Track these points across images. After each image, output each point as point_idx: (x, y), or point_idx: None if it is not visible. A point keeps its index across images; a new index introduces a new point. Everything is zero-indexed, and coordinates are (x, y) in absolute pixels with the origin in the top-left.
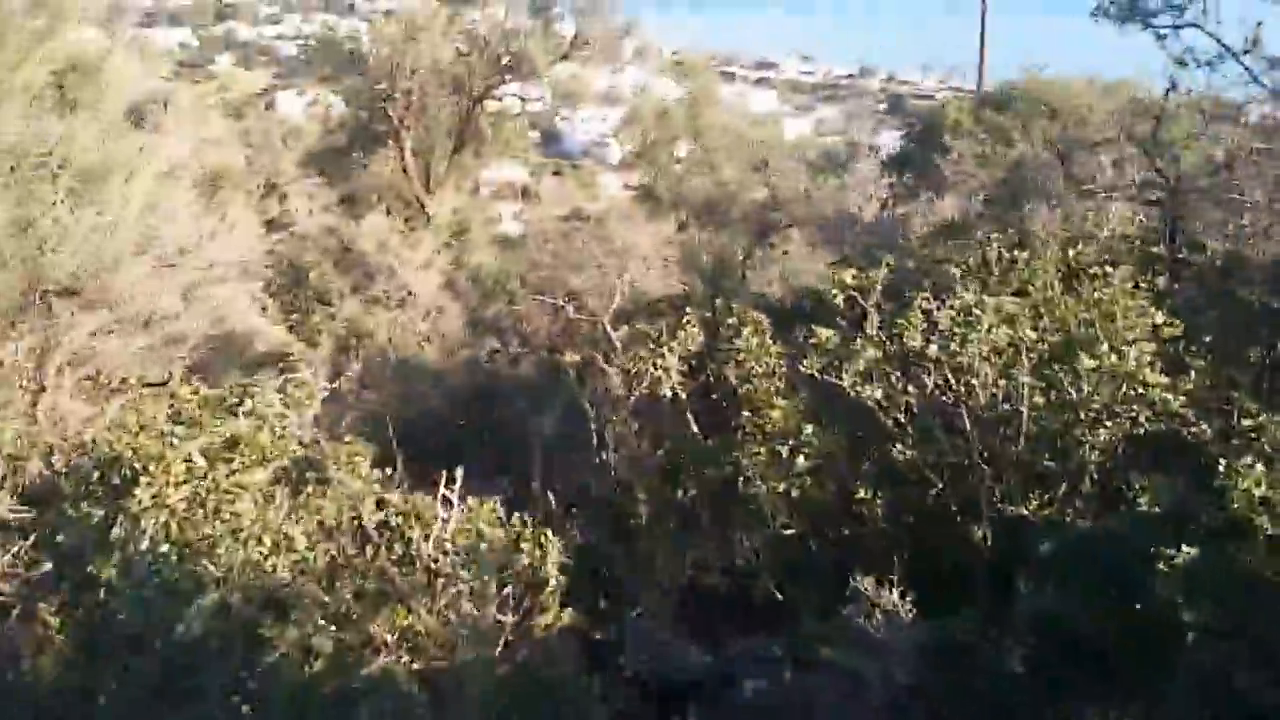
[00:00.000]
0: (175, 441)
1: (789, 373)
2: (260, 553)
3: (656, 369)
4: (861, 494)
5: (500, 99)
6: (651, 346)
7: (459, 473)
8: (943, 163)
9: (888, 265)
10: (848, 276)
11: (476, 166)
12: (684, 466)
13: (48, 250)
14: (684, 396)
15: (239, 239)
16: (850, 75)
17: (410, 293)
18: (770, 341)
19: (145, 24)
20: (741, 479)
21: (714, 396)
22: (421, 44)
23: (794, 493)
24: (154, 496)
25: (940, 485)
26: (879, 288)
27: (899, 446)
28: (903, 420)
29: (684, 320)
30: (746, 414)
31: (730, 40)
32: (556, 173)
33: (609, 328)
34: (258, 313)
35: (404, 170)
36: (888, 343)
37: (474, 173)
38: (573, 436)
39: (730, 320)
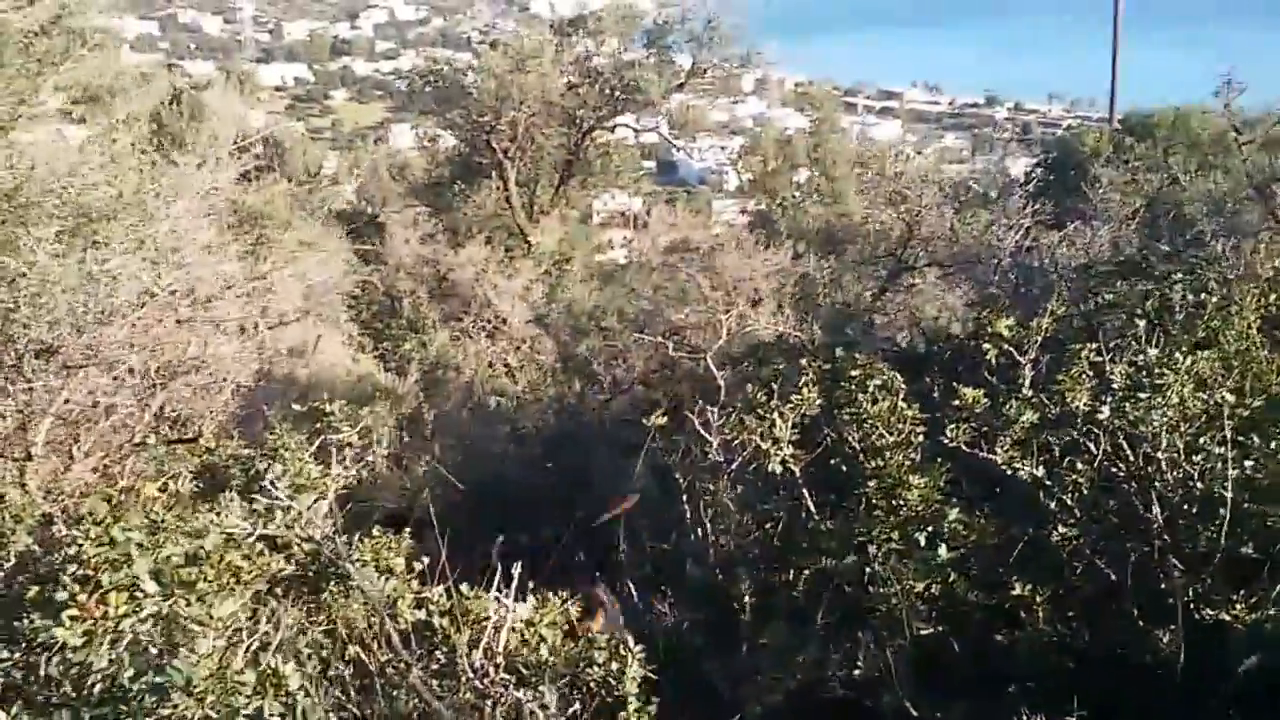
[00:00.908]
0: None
1: (926, 442)
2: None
3: (764, 440)
4: (1017, 590)
5: (611, 130)
6: (759, 413)
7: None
8: (1089, 191)
9: (1052, 312)
10: (1003, 326)
11: (582, 197)
12: (797, 550)
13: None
14: (796, 470)
15: (327, 271)
16: (975, 104)
17: (504, 322)
18: (903, 404)
19: (261, 59)
20: (868, 570)
21: (833, 462)
22: (530, 75)
23: (934, 589)
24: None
25: (1116, 580)
26: (1039, 339)
27: (1063, 532)
28: (1068, 501)
29: (800, 381)
30: (874, 490)
31: (853, 71)
32: (670, 200)
33: (714, 368)
34: (343, 346)
35: (507, 201)
36: (1048, 405)
37: (580, 203)
38: (662, 502)
39: (855, 373)
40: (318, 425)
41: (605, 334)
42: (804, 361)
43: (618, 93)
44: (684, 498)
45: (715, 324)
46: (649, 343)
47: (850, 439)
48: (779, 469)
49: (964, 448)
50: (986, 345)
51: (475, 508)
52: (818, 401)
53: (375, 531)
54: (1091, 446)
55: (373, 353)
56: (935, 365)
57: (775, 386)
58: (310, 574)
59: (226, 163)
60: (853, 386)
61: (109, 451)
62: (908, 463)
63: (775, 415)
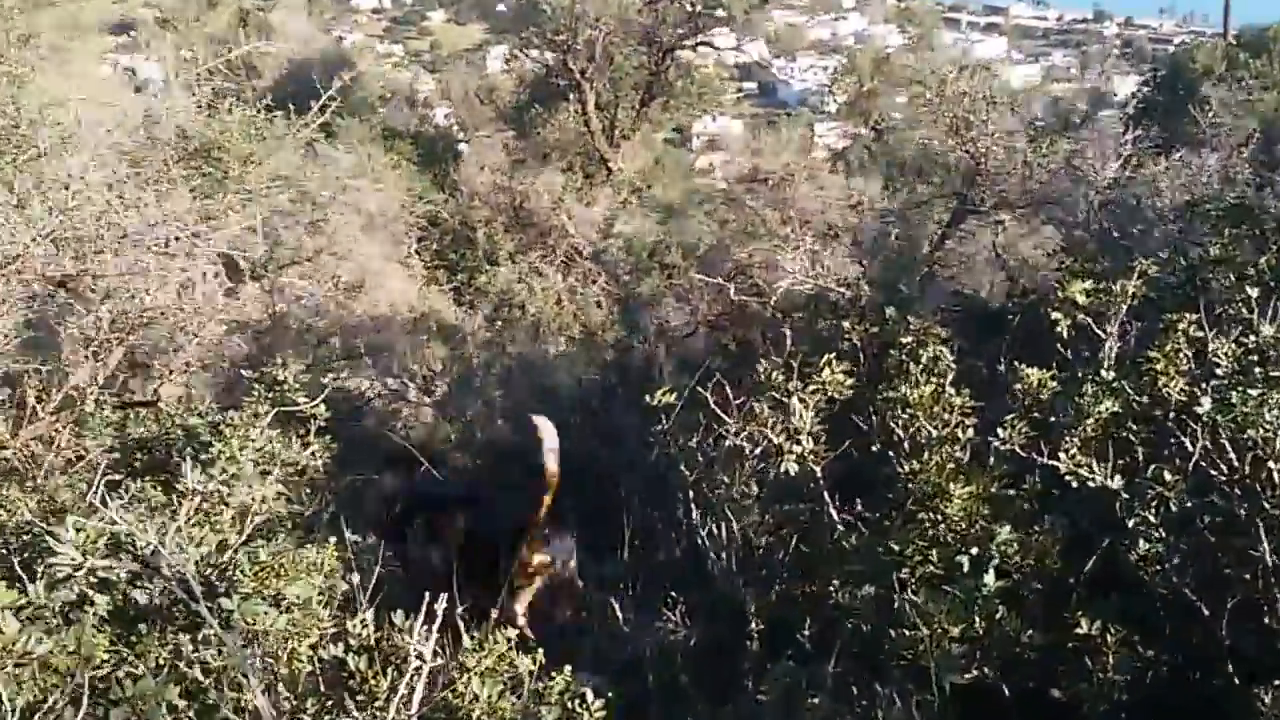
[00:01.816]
0: None
1: (976, 438)
2: None
3: (776, 434)
4: (1083, 628)
5: (694, 49)
6: (774, 396)
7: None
8: (1198, 114)
9: (1141, 270)
10: (1078, 292)
11: (667, 120)
12: (816, 569)
13: None
14: (817, 470)
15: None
16: (1084, 20)
17: (579, 254)
18: (951, 391)
19: None
20: (896, 600)
21: (873, 449)
22: None
23: (979, 626)
24: None
25: (1209, 621)
26: (1125, 305)
27: (1145, 556)
28: (1152, 517)
29: (827, 356)
30: (908, 498)
31: None
32: (771, 122)
33: (778, 314)
34: (408, 280)
35: (586, 125)
36: (1131, 393)
37: (665, 126)
38: (666, 490)
39: (906, 340)
40: (271, 395)
41: (668, 271)
42: (846, 324)
43: (698, 9)
44: (689, 492)
45: (781, 264)
46: (712, 284)
47: (892, 429)
48: (795, 468)
49: (1018, 451)
50: (1056, 314)
51: (494, 466)
52: (849, 383)
53: (282, 541)
54: (1186, 446)
55: (447, 286)
56: (998, 334)
57: (794, 361)
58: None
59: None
60: (903, 357)
61: (60, 415)
62: (950, 464)
63: (795, 399)
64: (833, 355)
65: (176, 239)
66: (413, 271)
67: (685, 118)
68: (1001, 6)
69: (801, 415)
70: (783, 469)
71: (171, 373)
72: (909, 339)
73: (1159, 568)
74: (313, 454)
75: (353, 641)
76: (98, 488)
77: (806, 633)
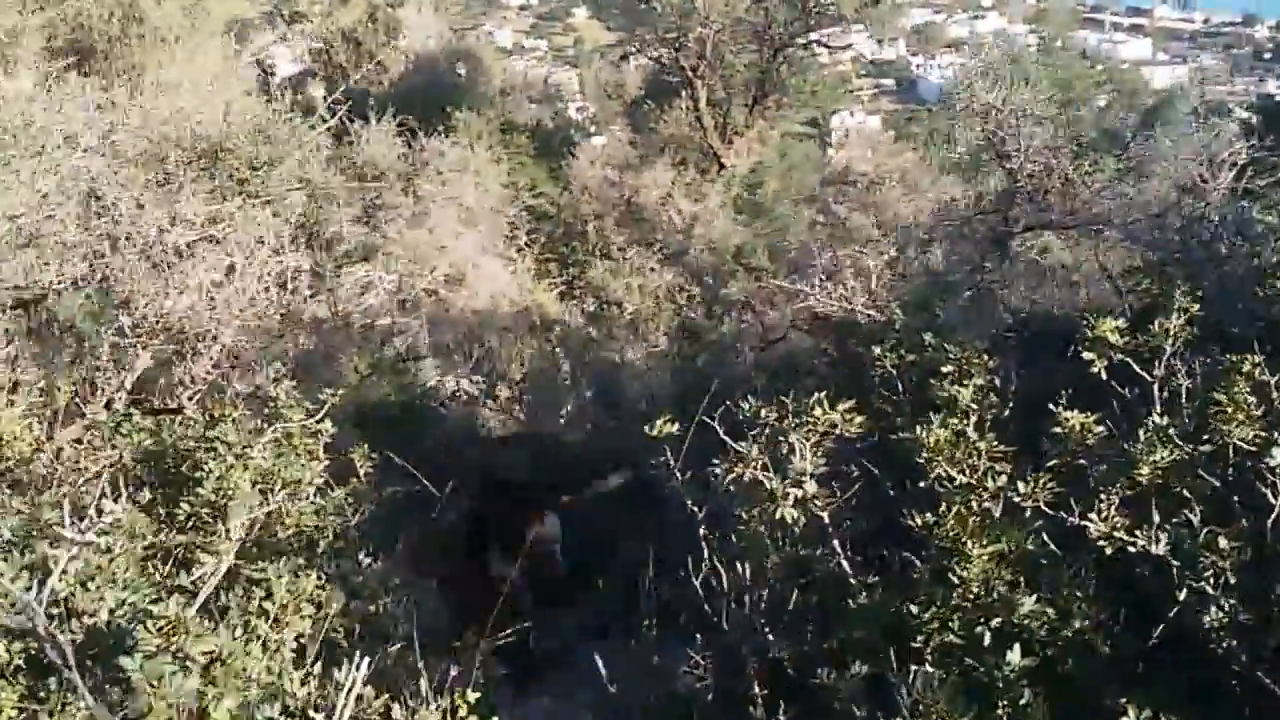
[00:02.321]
0: None
1: (1006, 487)
2: None
3: (769, 481)
4: (1130, 718)
5: (804, 47)
6: (772, 431)
7: None
8: None
9: (1182, 309)
10: (1108, 329)
11: (781, 117)
12: (824, 630)
13: None
14: (824, 516)
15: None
16: (1232, 22)
17: (685, 251)
18: (973, 435)
19: None
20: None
21: (894, 492)
22: None
23: (1001, 714)
24: None
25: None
26: (1172, 337)
27: (1203, 629)
28: (1210, 588)
29: (825, 388)
30: (927, 551)
31: None
32: (909, 119)
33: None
34: (509, 274)
35: (698, 121)
36: (1193, 437)
37: (782, 124)
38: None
39: (947, 369)
40: (266, 411)
41: (755, 275)
42: (878, 350)
43: (811, 5)
44: (701, 528)
45: (866, 270)
46: (793, 290)
47: (924, 466)
48: (791, 516)
49: (1043, 508)
50: (1087, 353)
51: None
52: (857, 421)
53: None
54: (1260, 488)
55: (559, 279)
56: (1058, 365)
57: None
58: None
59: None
60: (943, 388)
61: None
62: (977, 513)
63: (795, 442)
64: (828, 393)
65: (190, 243)
66: (518, 265)
67: (801, 114)
68: (1145, 8)
69: (802, 456)
70: (777, 515)
71: (194, 380)
72: (950, 368)
73: (1219, 647)
74: (317, 471)
75: (290, 703)
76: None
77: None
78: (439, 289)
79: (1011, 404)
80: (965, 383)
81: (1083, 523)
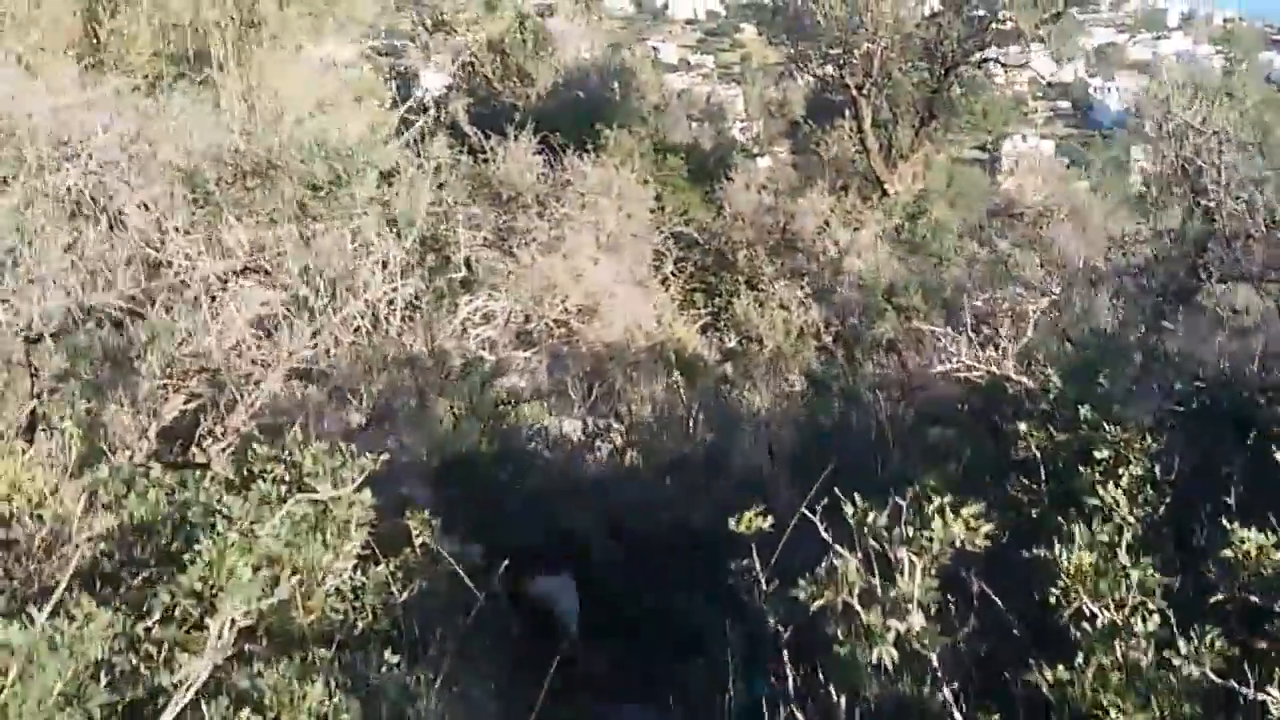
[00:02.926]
0: None
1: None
2: None
3: (865, 614)
4: None
5: (978, 65)
6: (877, 543)
7: None
8: None
9: None
10: None
11: (948, 141)
12: None
13: None
14: (933, 657)
15: (629, 219)
16: None
17: (832, 287)
18: (1124, 559)
19: None
20: None
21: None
22: (884, 3)
23: None
24: None
25: None
26: None
27: None
28: None
29: (942, 500)
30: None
31: None
32: (1084, 144)
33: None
34: (648, 305)
35: (862, 143)
36: None
37: (948, 148)
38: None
39: (1102, 454)
40: (288, 479)
41: (905, 315)
42: (1023, 426)
43: (987, 22)
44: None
45: (1024, 315)
46: (944, 333)
47: (1061, 593)
48: (891, 656)
49: (1210, 676)
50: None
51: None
52: (985, 530)
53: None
54: None
55: (703, 311)
56: (1240, 449)
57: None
58: None
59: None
60: (1095, 478)
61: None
62: (1118, 674)
63: (906, 554)
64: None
65: (235, 272)
66: (659, 295)
67: (971, 138)
68: None
69: (910, 576)
70: (872, 657)
71: (225, 432)
72: (1106, 451)
73: None
74: (348, 553)
75: None
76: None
77: None
78: (570, 320)
79: (1170, 499)
80: (1120, 474)
81: (1260, 697)
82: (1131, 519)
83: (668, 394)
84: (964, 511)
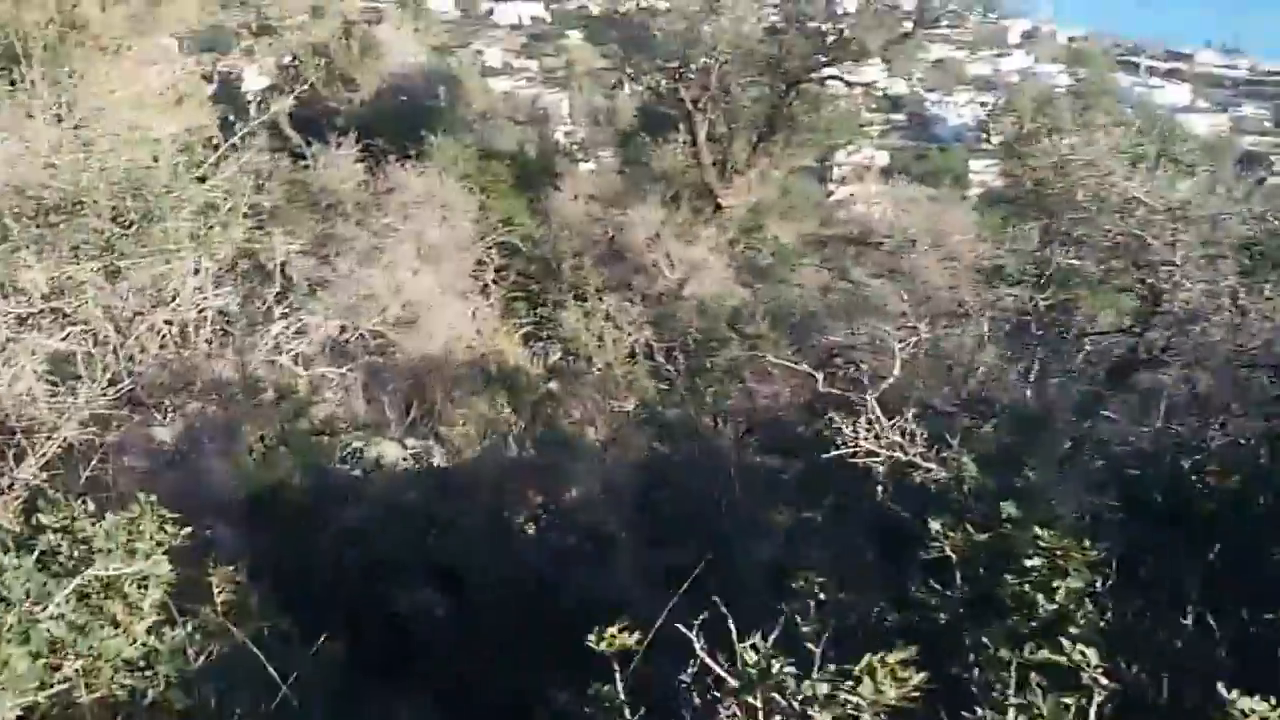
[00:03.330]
0: None
1: None
2: None
3: None
4: None
5: (820, 82)
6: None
7: None
8: None
9: None
10: None
11: (788, 156)
12: None
13: None
14: None
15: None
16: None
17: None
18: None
19: None
20: None
21: None
22: (724, 19)
23: None
24: None
25: None
26: None
27: None
28: None
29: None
30: None
31: (1139, 26)
32: (920, 157)
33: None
34: (467, 316)
35: (695, 157)
36: None
37: (786, 163)
38: None
39: (1032, 561)
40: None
41: (751, 342)
42: (936, 525)
43: (829, 39)
44: None
45: (890, 351)
46: (793, 366)
47: None
48: None
49: None
50: None
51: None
52: (918, 680)
53: None
54: None
55: (525, 320)
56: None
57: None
58: None
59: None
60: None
61: None
62: None
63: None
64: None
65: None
66: (481, 305)
67: (809, 152)
68: (1186, 53)
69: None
70: None
71: (12, 485)
72: (1038, 559)
73: None
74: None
75: None
76: None
77: None
78: (387, 332)
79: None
80: (1055, 587)
81: None
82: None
83: (490, 412)
84: (890, 659)
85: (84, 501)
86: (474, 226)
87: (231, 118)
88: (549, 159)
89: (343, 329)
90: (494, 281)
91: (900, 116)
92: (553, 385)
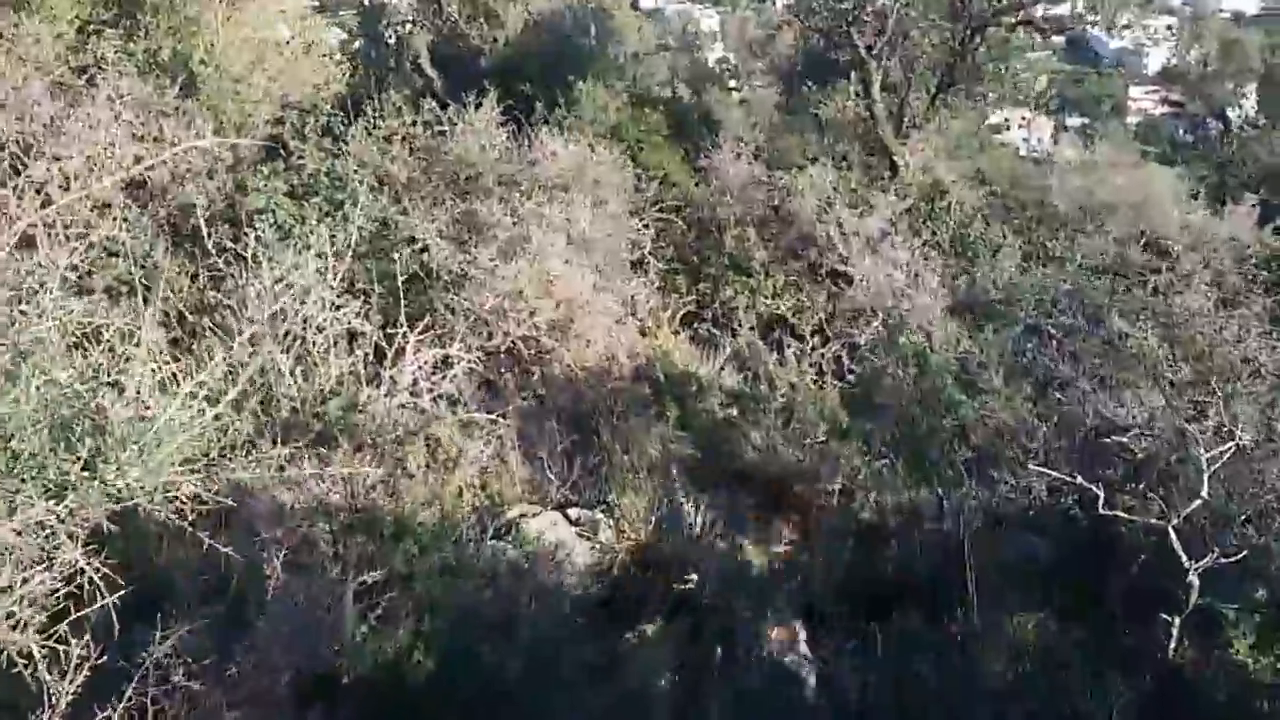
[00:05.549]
0: None
1: None
2: None
3: None
4: None
5: (1013, 26)
6: None
7: None
8: None
9: None
10: None
11: (967, 110)
12: None
13: None
14: None
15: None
16: None
17: (849, 281)
18: None
19: None
20: None
21: None
22: None
23: None
24: None
25: None
26: None
27: None
28: None
29: None
30: None
31: None
32: (1077, 81)
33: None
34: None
35: (869, 110)
36: None
37: (964, 115)
38: None
39: None
40: None
41: (981, 396)
42: None
43: None
44: None
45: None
46: (1069, 480)
47: None
48: None
49: None
50: None
51: None
52: None
53: None
54: None
55: (687, 297)
56: None
57: None
58: None
59: None
60: None
61: None
62: None
63: None
64: None
65: None
66: (638, 285)
67: (994, 111)
68: None
69: None
70: None
71: None
72: None
73: None
74: None
75: None
76: None
77: None
78: (539, 337)
79: None
80: None
81: None
82: None
83: (662, 454)
84: None
85: None
86: (629, 199)
87: (373, 53)
88: (704, 104)
89: (489, 335)
90: (650, 254)
91: (1060, 39)
92: (731, 413)
